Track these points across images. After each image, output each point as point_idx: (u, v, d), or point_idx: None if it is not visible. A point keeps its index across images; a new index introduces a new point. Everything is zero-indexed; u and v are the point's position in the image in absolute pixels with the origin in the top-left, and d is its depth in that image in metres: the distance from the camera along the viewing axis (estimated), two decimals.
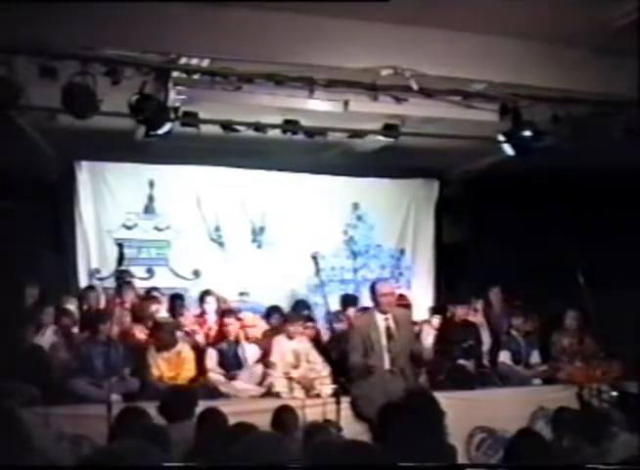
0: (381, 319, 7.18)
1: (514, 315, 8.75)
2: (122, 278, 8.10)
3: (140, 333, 8.08)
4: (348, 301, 9.32)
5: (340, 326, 8.35)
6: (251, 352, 7.89)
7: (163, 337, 7.64)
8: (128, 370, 7.37)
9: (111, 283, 8.91)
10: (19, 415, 3.52)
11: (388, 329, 7.16)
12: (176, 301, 8.71)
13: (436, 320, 9.06)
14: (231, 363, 7.72)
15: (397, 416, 4.10)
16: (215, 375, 7.59)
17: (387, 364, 7.09)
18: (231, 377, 7.62)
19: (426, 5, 6.00)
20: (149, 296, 8.79)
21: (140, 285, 9.22)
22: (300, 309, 8.82)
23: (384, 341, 7.12)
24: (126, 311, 8.35)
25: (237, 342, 7.89)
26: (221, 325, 8.07)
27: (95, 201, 9.63)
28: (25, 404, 6.29)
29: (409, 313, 8.05)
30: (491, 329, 9.12)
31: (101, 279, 9.30)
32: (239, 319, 8.20)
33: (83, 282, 9.38)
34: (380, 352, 7.09)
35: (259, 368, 7.72)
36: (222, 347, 7.80)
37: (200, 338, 8.34)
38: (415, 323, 8.42)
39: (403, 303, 8.83)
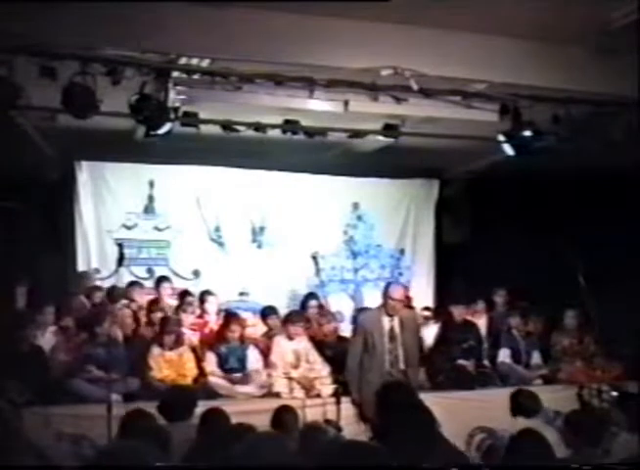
0: (386, 320, 7.23)
1: (515, 316, 8.73)
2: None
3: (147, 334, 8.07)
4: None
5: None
6: (254, 355, 7.78)
7: (170, 330, 7.61)
8: (129, 370, 7.36)
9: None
10: (6, 413, 3.52)
11: (391, 330, 7.21)
12: (184, 298, 8.65)
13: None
14: (234, 367, 7.63)
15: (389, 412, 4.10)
16: (217, 379, 7.50)
17: (387, 365, 7.13)
18: (234, 381, 7.54)
19: (426, 5, 5.99)
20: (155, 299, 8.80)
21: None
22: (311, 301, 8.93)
23: (386, 342, 7.16)
24: (129, 311, 8.32)
25: (242, 345, 7.77)
26: (224, 329, 7.85)
27: (95, 201, 9.62)
28: (24, 404, 6.32)
29: (415, 316, 8.07)
30: (492, 330, 9.11)
31: (101, 279, 9.29)
32: (242, 325, 8.03)
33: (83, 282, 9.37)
34: (381, 352, 7.14)
35: (264, 373, 7.66)
36: (223, 350, 7.66)
37: (199, 338, 8.31)
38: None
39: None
